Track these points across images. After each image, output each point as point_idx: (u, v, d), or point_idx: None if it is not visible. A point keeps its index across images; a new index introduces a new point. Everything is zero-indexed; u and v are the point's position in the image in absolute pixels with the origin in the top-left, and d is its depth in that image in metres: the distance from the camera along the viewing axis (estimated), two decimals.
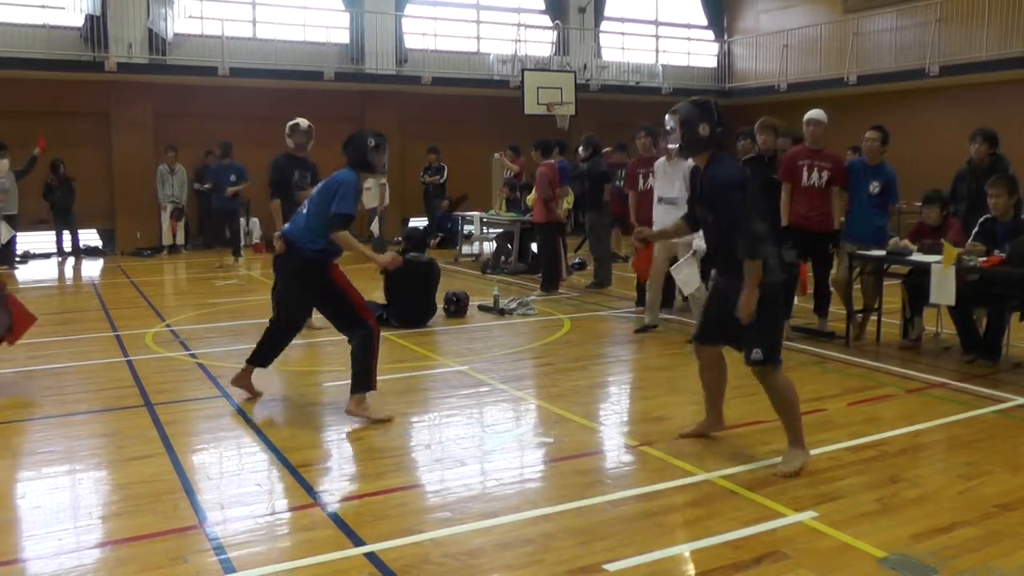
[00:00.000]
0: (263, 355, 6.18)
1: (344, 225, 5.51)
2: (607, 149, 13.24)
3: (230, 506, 4.33)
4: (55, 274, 14.26)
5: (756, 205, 4.65)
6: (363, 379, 5.63)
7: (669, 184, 8.21)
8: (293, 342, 8.17)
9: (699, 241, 7.78)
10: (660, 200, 8.33)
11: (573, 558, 3.64)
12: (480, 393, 6.42)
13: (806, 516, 4.05)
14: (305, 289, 5.81)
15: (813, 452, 4.90)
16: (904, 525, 3.97)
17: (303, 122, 8.67)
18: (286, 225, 5.91)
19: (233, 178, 14.55)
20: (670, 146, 4.98)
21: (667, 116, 4.87)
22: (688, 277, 7.72)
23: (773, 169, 8.32)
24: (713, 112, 4.73)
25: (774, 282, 4.61)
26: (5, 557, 3.77)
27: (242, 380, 6.19)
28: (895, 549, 3.70)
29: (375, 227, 12.83)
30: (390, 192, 16.09)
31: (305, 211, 5.76)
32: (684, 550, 3.76)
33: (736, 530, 3.89)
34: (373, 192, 13.21)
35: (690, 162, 7.89)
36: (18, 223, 14.59)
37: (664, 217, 8.18)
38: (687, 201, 5.25)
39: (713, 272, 5.09)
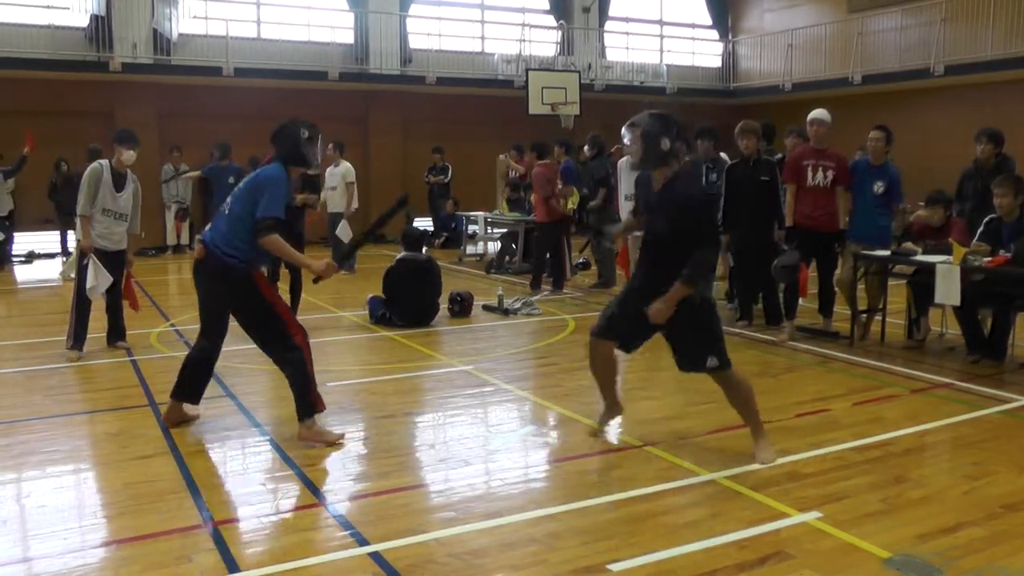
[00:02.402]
0: (193, 387, 5.48)
1: (272, 230, 4.94)
2: (616, 147, 13.22)
3: (234, 505, 4.34)
4: (59, 273, 14.25)
5: (714, 231, 4.87)
6: (307, 403, 5.13)
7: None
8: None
9: None
10: (627, 198, 8.44)
11: (577, 558, 3.64)
12: (484, 393, 6.43)
13: (811, 516, 4.05)
14: (227, 302, 5.22)
15: (817, 452, 4.94)
16: (909, 525, 3.97)
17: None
18: (206, 228, 5.35)
19: (232, 180, 14.53)
20: (627, 157, 5.05)
21: (625, 128, 4.86)
22: None
23: (759, 172, 8.35)
24: (673, 126, 4.76)
25: (707, 296, 4.82)
26: (11, 556, 3.77)
27: (174, 415, 5.52)
28: (900, 549, 3.69)
29: (344, 232, 12.61)
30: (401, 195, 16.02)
31: (227, 211, 5.15)
32: (688, 550, 3.75)
33: (741, 530, 3.89)
34: (339, 193, 12.97)
35: None
36: (13, 223, 14.61)
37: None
38: (633, 208, 5.29)
39: (636, 273, 5.13)
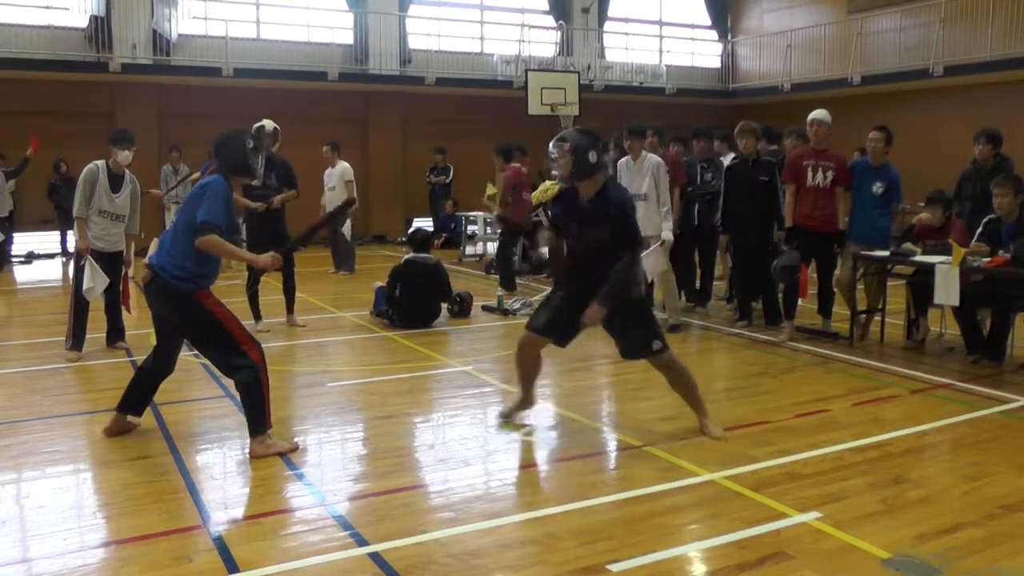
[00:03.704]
0: (138, 400, 5.38)
1: (209, 232, 4.77)
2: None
3: (234, 506, 4.34)
4: (59, 274, 14.26)
5: (638, 235, 5.25)
6: (259, 419, 5.01)
7: (637, 181, 8.39)
8: (297, 341, 8.21)
9: (667, 232, 8.17)
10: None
11: (577, 558, 3.64)
12: (484, 393, 6.43)
13: (810, 517, 4.05)
14: (180, 325, 5.13)
15: (816, 452, 4.95)
16: (908, 526, 3.97)
17: (268, 124, 8.78)
18: (151, 252, 5.19)
19: None
20: (554, 172, 5.31)
21: (552, 144, 5.12)
22: (653, 262, 8.17)
23: (758, 172, 8.37)
24: (599, 141, 5.12)
25: (640, 297, 5.35)
26: (10, 557, 3.77)
27: (117, 426, 5.38)
28: (899, 550, 3.70)
29: (347, 230, 12.58)
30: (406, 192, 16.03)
31: (167, 231, 5.09)
32: (688, 550, 3.76)
33: (740, 530, 3.89)
34: (338, 193, 12.97)
35: (652, 159, 8.17)
36: (13, 224, 14.61)
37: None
38: (552, 221, 5.52)
39: (568, 281, 5.34)
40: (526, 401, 5.65)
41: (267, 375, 5.07)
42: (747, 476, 4.59)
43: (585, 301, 5.07)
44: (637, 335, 5.22)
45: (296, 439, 5.25)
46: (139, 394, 5.33)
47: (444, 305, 9.43)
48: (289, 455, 4.99)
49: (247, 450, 5.01)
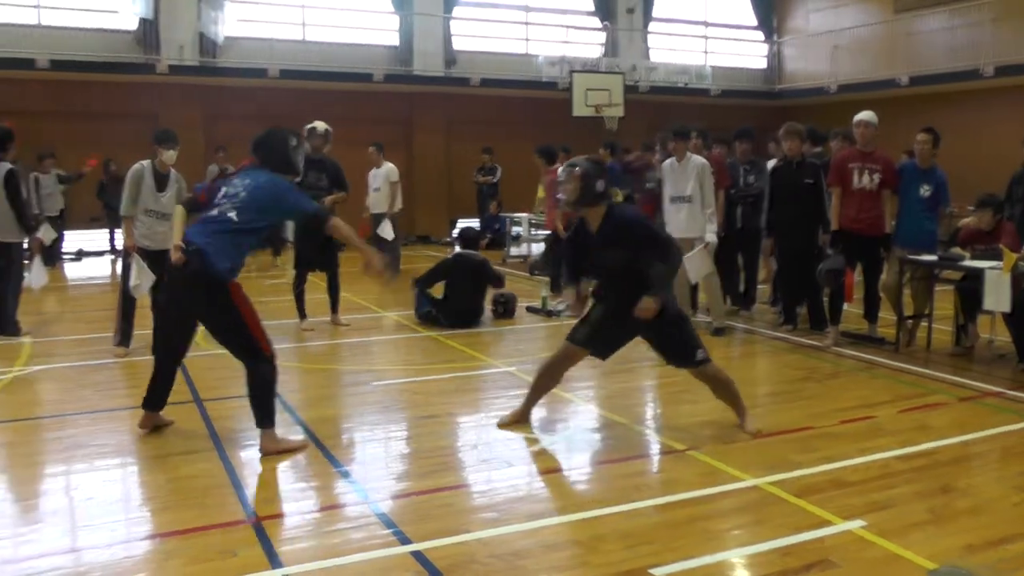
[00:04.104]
0: (158, 395, 5.39)
1: (328, 217, 5.16)
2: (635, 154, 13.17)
3: (278, 502, 4.39)
4: (108, 271, 14.51)
5: (669, 241, 5.34)
6: (268, 413, 5.01)
7: (681, 183, 8.41)
8: (341, 340, 8.27)
9: (711, 235, 8.13)
10: (672, 199, 8.47)
11: (619, 561, 3.63)
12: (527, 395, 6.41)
13: (855, 524, 3.99)
14: (198, 309, 5.09)
15: (862, 459, 4.89)
16: (956, 536, 3.90)
17: (320, 126, 8.84)
18: (187, 232, 5.10)
19: None
20: (559, 196, 5.50)
21: (562, 169, 5.31)
22: (698, 264, 8.18)
23: (803, 174, 8.29)
24: (606, 171, 5.34)
25: (675, 301, 5.41)
26: (60, 546, 3.86)
27: (148, 423, 5.44)
28: (946, 560, 3.64)
29: (387, 231, 12.62)
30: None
31: (227, 220, 4.96)
32: (731, 556, 3.73)
33: (784, 537, 3.86)
34: (383, 194, 13.03)
35: (697, 160, 8.13)
36: (64, 222, 14.89)
37: (676, 215, 8.49)
38: (567, 261, 5.63)
39: (605, 303, 5.42)
40: (524, 413, 5.64)
41: (276, 376, 5.08)
42: (791, 482, 4.54)
43: (624, 313, 5.20)
44: (681, 347, 5.33)
45: (343, 436, 5.30)
46: (162, 389, 5.35)
47: (488, 306, 9.48)
48: (295, 450, 5.04)
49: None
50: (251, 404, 5.02)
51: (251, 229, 4.99)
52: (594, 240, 5.31)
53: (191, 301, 5.02)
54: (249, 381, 5.03)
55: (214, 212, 5.03)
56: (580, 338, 5.43)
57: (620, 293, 5.27)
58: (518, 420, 5.61)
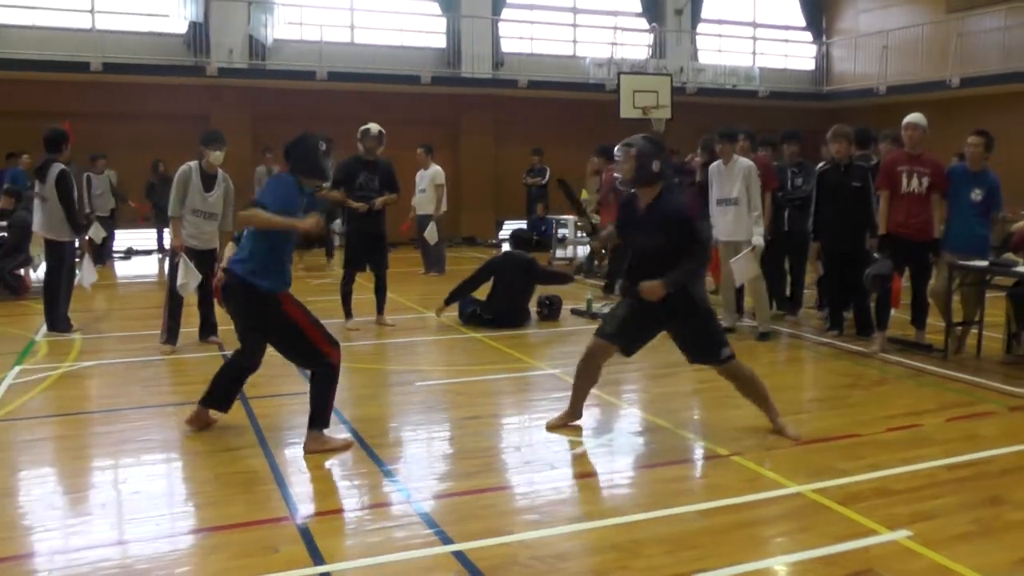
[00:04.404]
0: (223, 395, 5.44)
1: (250, 207, 4.94)
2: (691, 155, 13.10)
3: (321, 500, 4.44)
4: (156, 270, 14.75)
5: (707, 242, 5.50)
6: (322, 414, 5.08)
7: (728, 185, 8.37)
8: (386, 340, 8.33)
9: (758, 238, 8.06)
10: (719, 202, 8.42)
11: (661, 566, 3.62)
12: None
13: (900, 535, 3.94)
14: (258, 327, 5.18)
15: (908, 468, 4.82)
16: (1006, 549, 3.83)
17: (374, 128, 8.89)
18: (227, 255, 5.33)
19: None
20: (616, 175, 5.45)
21: (619, 148, 5.28)
22: (743, 267, 8.14)
23: (851, 177, 8.18)
24: (663, 150, 5.28)
25: (704, 296, 5.32)
26: (108, 538, 3.96)
27: (199, 420, 5.47)
28: (996, 574, 3.58)
29: (432, 234, 12.68)
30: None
31: (245, 235, 5.14)
32: (774, 563, 3.71)
33: (828, 546, 3.81)
34: (428, 196, 13.09)
35: (743, 163, 8.06)
36: (115, 222, 15.21)
37: (722, 218, 8.43)
38: (617, 228, 5.57)
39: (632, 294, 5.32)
40: (573, 413, 5.63)
41: (339, 374, 5.14)
42: (835, 490, 4.49)
43: (648, 308, 5.19)
44: (706, 343, 5.31)
45: (387, 435, 5.34)
46: (223, 388, 5.40)
47: (533, 308, 9.51)
48: (340, 449, 5.08)
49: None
50: (310, 403, 5.10)
51: (257, 232, 5.00)
52: (640, 219, 5.29)
53: (245, 315, 5.16)
54: (311, 381, 5.15)
55: None
56: (608, 331, 5.41)
57: (648, 279, 5.18)
58: (566, 421, 5.61)
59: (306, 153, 5.16)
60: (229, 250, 5.51)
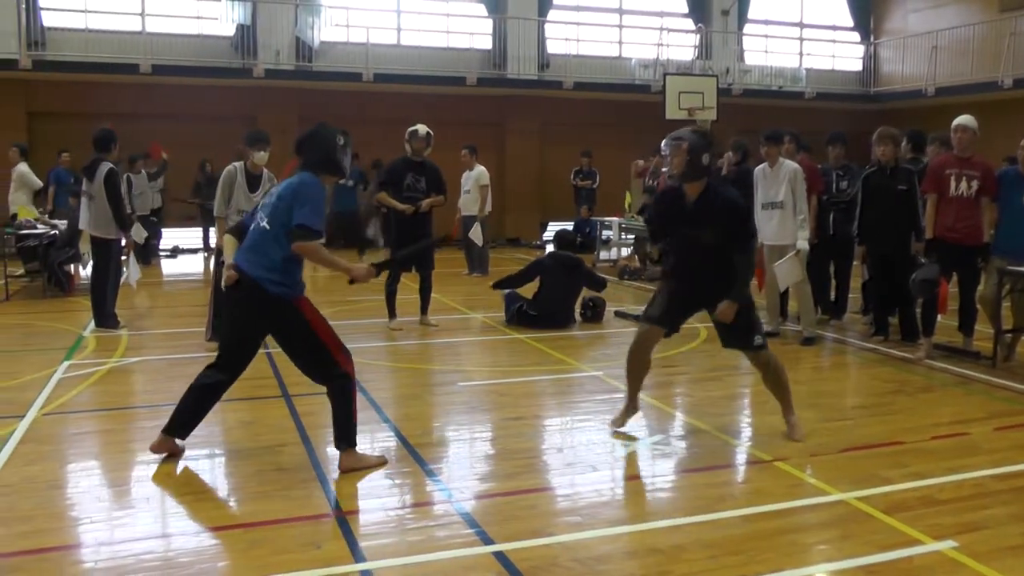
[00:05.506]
0: (186, 420, 4.94)
1: (308, 238, 4.56)
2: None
3: (363, 498, 4.47)
4: (201, 268, 14.94)
5: (753, 233, 5.47)
6: (348, 431, 4.78)
7: (774, 188, 8.31)
8: (429, 340, 8.35)
9: (803, 242, 8.04)
10: (764, 205, 8.37)
11: (701, 571, 3.60)
12: (614, 399, 6.38)
13: (946, 545, 3.87)
14: (264, 331, 4.91)
15: (954, 477, 4.74)
16: None
17: (422, 129, 8.92)
18: (238, 253, 4.86)
19: (351, 183, 15.24)
20: (664, 169, 5.41)
21: (666, 142, 5.24)
22: (787, 271, 8.08)
23: (896, 180, 8.06)
24: (711, 144, 5.23)
25: (745, 292, 5.32)
26: (152, 531, 4.02)
27: (162, 447, 4.96)
28: None
29: (477, 235, 12.67)
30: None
31: (263, 229, 4.70)
32: (817, 571, 3.68)
33: (871, 554, 3.77)
34: (472, 197, 13.10)
35: (789, 165, 7.96)
36: (161, 221, 15.49)
37: (767, 222, 8.35)
38: (654, 223, 5.62)
39: (679, 281, 5.40)
40: (632, 407, 5.65)
41: (355, 389, 4.88)
42: (879, 498, 4.43)
43: (697, 296, 5.31)
44: (742, 330, 5.30)
45: (430, 435, 5.36)
46: (191, 414, 4.94)
47: (577, 310, 9.52)
48: (374, 467, 4.85)
49: (358, 449, 4.89)
50: (333, 424, 4.83)
51: (279, 235, 4.64)
52: (687, 213, 5.25)
53: (257, 320, 4.80)
54: (331, 400, 4.82)
55: (253, 224, 4.82)
56: (654, 315, 5.42)
57: (695, 270, 5.27)
58: (627, 417, 5.63)
59: (321, 146, 4.81)
60: (228, 246, 5.20)
